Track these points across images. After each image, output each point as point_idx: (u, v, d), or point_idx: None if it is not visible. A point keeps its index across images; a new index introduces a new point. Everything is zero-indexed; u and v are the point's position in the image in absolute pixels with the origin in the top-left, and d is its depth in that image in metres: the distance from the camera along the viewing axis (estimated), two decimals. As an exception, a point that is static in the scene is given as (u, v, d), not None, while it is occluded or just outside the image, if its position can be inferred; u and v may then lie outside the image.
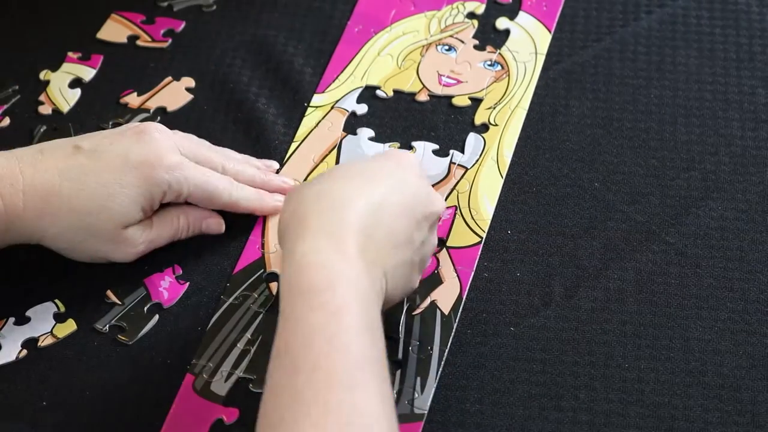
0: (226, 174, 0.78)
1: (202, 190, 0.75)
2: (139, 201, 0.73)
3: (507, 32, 0.93)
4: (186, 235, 0.78)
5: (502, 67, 0.90)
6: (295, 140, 0.85)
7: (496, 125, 0.86)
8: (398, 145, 0.85)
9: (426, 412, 0.70)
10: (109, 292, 0.76)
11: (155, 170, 0.73)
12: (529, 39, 0.92)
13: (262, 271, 0.77)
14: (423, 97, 0.88)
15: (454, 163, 0.84)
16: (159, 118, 0.87)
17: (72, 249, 0.74)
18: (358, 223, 0.64)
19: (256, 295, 0.76)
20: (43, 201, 0.71)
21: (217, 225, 0.79)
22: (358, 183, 0.67)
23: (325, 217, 0.64)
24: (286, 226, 0.65)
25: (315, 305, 0.60)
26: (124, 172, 0.72)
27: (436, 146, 0.85)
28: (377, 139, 0.85)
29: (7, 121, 0.87)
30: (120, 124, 0.86)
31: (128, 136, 0.74)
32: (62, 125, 0.87)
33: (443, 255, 0.78)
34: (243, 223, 0.80)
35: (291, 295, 0.61)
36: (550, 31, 0.93)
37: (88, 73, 0.91)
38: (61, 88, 0.89)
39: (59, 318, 0.75)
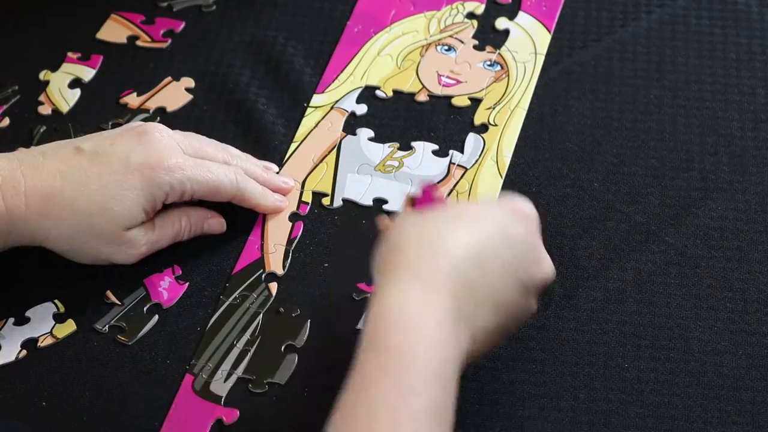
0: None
1: (206, 187, 0.75)
2: (141, 203, 0.73)
3: (506, 32, 0.93)
4: (188, 236, 0.78)
5: (502, 67, 0.90)
6: (294, 140, 0.85)
7: (496, 125, 0.86)
8: (398, 145, 0.85)
9: (425, 412, 0.70)
10: (108, 293, 0.76)
11: (156, 172, 0.73)
12: (529, 39, 0.92)
13: (261, 271, 0.77)
14: (422, 97, 0.88)
15: (454, 164, 0.84)
16: (159, 118, 0.87)
17: (74, 251, 0.74)
18: (457, 273, 0.60)
19: (256, 296, 0.76)
20: (45, 203, 0.71)
21: (218, 225, 0.79)
22: (464, 228, 0.63)
23: (422, 261, 0.61)
24: (383, 257, 0.62)
25: (390, 345, 0.58)
26: (125, 174, 0.72)
27: (435, 146, 0.85)
28: (377, 139, 0.85)
29: (6, 121, 0.87)
30: (120, 125, 0.86)
31: (129, 137, 0.74)
32: (62, 125, 0.87)
33: (443, 255, 0.78)
34: (242, 224, 0.80)
35: (370, 331, 0.59)
36: (549, 32, 0.93)
37: (87, 74, 0.91)
38: (61, 89, 0.89)
39: (59, 318, 0.75)
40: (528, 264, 0.64)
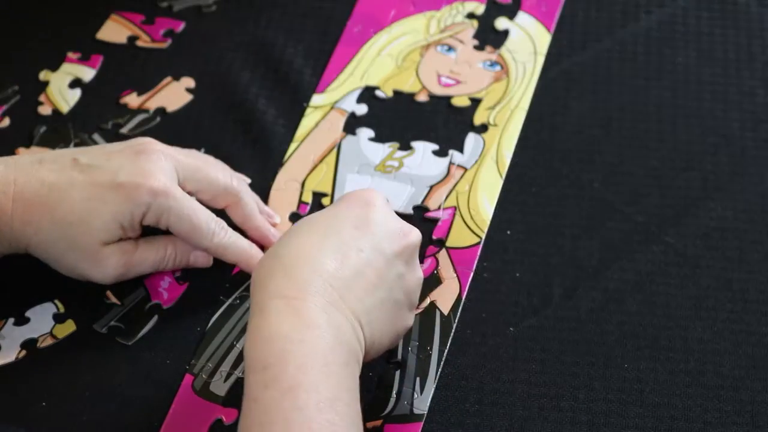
0: (229, 192, 0.76)
1: (183, 223, 0.73)
2: (118, 219, 0.71)
3: (506, 32, 0.93)
4: (172, 266, 0.76)
5: (502, 68, 0.90)
6: (294, 140, 0.85)
7: (496, 125, 0.86)
8: (398, 145, 0.85)
9: (425, 412, 0.70)
10: (108, 293, 0.76)
11: (138, 191, 0.71)
12: (529, 39, 0.92)
13: (261, 271, 0.77)
14: (422, 97, 0.88)
15: (454, 164, 0.84)
16: (159, 118, 0.87)
17: (53, 261, 0.74)
18: (320, 277, 0.62)
19: (256, 296, 0.76)
20: (28, 209, 0.71)
21: (205, 259, 0.76)
22: (320, 234, 0.65)
23: (283, 278, 0.62)
24: (251, 294, 0.63)
25: (268, 382, 0.58)
26: (108, 189, 0.71)
27: (435, 146, 0.85)
28: (377, 139, 0.85)
29: (7, 121, 0.87)
30: (120, 125, 0.86)
31: (127, 153, 0.73)
32: (62, 125, 0.87)
33: (443, 255, 0.78)
34: (243, 224, 0.80)
35: (247, 372, 0.59)
36: (549, 32, 0.93)
37: (87, 74, 0.91)
38: (61, 89, 0.89)
39: (59, 318, 0.75)
40: (389, 238, 0.66)
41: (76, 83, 0.90)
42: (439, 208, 0.81)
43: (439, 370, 0.72)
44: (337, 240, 0.64)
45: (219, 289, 0.77)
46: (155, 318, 0.75)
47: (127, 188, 0.71)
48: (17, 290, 0.76)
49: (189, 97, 0.89)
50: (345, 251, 0.64)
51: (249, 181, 0.81)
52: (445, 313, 0.75)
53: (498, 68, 0.90)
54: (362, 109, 0.88)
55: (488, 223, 0.80)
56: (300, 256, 0.63)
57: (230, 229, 0.75)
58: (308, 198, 0.82)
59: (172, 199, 0.72)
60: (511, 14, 0.94)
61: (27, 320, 0.75)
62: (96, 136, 0.86)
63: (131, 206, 0.71)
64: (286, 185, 0.82)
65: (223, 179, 0.76)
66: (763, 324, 0.74)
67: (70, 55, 0.92)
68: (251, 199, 0.78)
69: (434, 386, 0.71)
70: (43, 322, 0.75)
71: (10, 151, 0.84)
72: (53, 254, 0.73)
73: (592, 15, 0.94)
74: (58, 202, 0.71)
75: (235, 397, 0.71)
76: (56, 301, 0.76)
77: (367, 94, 0.89)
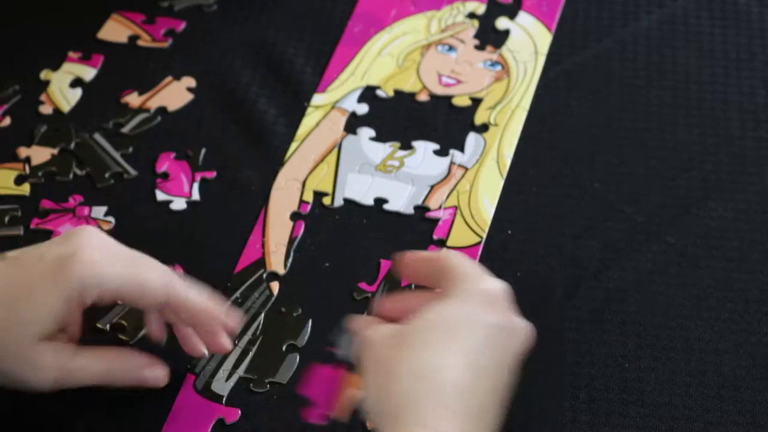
0: (169, 294, 0.66)
1: (128, 285, 0.65)
2: (51, 303, 0.63)
3: (507, 32, 0.93)
4: (120, 382, 0.68)
5: (503, 67, 0.90)
6: (295, 140, 0.86)
7: (497, 125, 0.86)
8: (399, 145, 0.85)
9: (426, 411, 0.70)
10: (110, 292, 0.76)
11: (68, 266, 0.63)
12: (530, 39, 0.92)
13: (262, 270, 0.77)
14: (423, 97, 0.88)
15: (455, 163, 0.84)
16: (159, 117, 0.87)
17: None
18: (454, 400, 0.56)
19: (257, 295, 0.76)
20: None
21: (160, 377, 0.69)
22: (449, 348, 0.58)
23: (421, 404, 0.56)
24: (380, 407, 0.57)
25: None
26: (36, 272, 0.63)
27: (436, 146, 0.85)
28: (378, 139, 0.85)
29: (7, 121, 0.87)
30: (120, 124, 0.86)
31: (56, 240, 0.66)
32: (63, 125, 0.87)
33: (444, 255, 0.78)
34: (243, 223, 0.80)
35: None
36: (550, 32, 0.93)
37: (88, 73, 0.91)
38: (62, 88, 0.89)
39: (60, 317, 0.75)
40: (513, 343, 0.61)
41: (77, 83, 0.90)
42: (439, 207, 0.81)
43: (440, 369, 0.72)
44: (463, 356, 0.58)
45: (220, 288, 0.76)
46: (156, 317, 0.75)
47: (55, 266, 0.63)
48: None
49: (190, 97, 0.89)
50: (474, 370, 0.58)
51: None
52: (446, 312, 0.75)
53: (499, 68, 0.90)
54: (363, 109, 0.88)
55: (489, 222, 0.80)
56: (429, 374, 0.57)
57: (179, 278, 0.67)
58: (309, 197, 0.82)
59: (107, 264, 0.64)
60: (511, 14, 0.94)
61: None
62: (97, 136, 0.86)
63: (63, 284, 0.63)
64: (287, 185, 0.83)
65: (153, 274, 0.66)
66: (764, 323, 0.74)
67: (71, 54, 0.92)
68: (190, 289, 0.68)
69: (435, 386, 0.71)
70: (44, 321, 0.75)
71: (10, 151, 0.85)
72: None
73: (592, 15, 0.94)
74: None
75: (236, 396, 0.71)
76: (57, 301, 0.76)
77: (368, 94, 0.89)
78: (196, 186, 0.83)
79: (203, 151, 0.85)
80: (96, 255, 0.64)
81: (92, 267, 0.63)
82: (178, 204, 0.81)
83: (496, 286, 0.62)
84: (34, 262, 0.64)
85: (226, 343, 0.69)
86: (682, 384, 0.71)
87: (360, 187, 0.82)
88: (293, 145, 0.85)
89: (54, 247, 0.65)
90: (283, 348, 0.73)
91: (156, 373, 0.69)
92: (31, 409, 0.71)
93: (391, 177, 0.83)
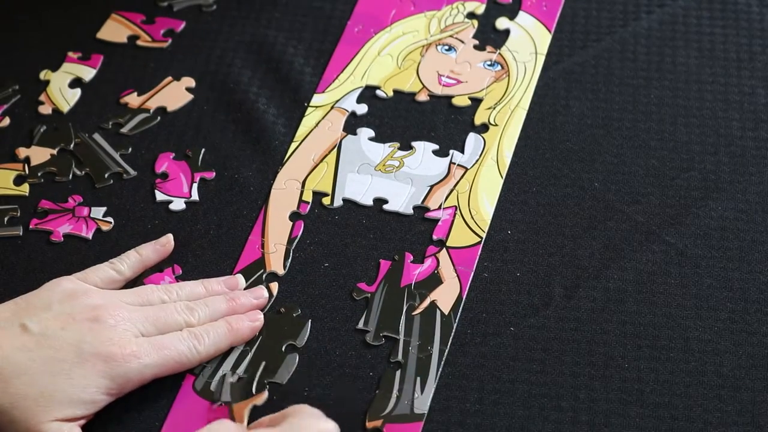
0: (192, 324, 0.72)
1: (166, 367, 0.70)
2: (88, 392, 0.67)
3: (507, 32, 0.93)
4: None
5: (502, 67, 0.90)
6: (295, 140, 0.85)
7: (496, 125, 0.86)
8: (398, 145, 0.85)
9: (426, 412, 0.70)
10: (109, 292, 0.76)
11: (109, 364, 0.67)
12: (529, 39, 0.92)
13: (262, 271, 0.77)
14: (423, 97, 0.88)
15: (454, 163, 0.84)
16: (159, 117, 0.87)
17: None
18: None
19: (256, 295, 0.76)
20: None
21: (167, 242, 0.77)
22: None
23: None
24: None
25: None
26: (75, 364, 0.67)
27: (436, 146, 0.85)
28: (377, 139, 0.85)
29: (7, 121, 0.87)
30: (120, 124, 0.86)
31: (80, 321, 0.69)
32: (62, 125, 0.87)
33: (443, 255, 0.78)
34: (243, 223, 0.80)
35: None
36: (550, 31, 0.93)
37: (88, 73, 0.91)
38: (61, 88, 0.89)
39: (60, 318, 0.75)
40: None
41: (76, 83, 0.90)
42: (439, 207, 0.81)
43: (440, 369, 0.72)
44: None
45: (219, 288, 0.77)
46: (156, 318, 0.75)
47: (95, 363, 0.67)
48: (18, 290, 0.76)
49: (189, 97, 0.89)
50: None
51: (198, 291, 0.75)
52: (446, 312, 0.75)
53: (498, 68, 0.90)
54: (363, 109, 0.88)
55: (488, 222, 0.80)
56: None
57: (203, 325, 0.72)
58: (309, 197, 0.82)
59: (144, 356, 0.69)
60: (511, 14, 0.94)
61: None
62: (96, 136, 0.86)
63: (105, 380, 0.67)
64: (287, 185, 0.82)
65: (182, 349, 0.71)
66: (763, 324, 0.74)
67: (71, 54, 0.92)
68: (216, 341, 0.72)
69: (435, 386, 0.71)
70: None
71: (10, 151, 0.85)
72: None
73: (592, 14, 0.94)
74: (14, 374, 0.66)
75: (236, 396, 0.71)
76: (57, 301, 0.76)
77: (368, 94, 0.89)
78: (195, 186, 0.82)
79: (202, 151, 0.85)
80: (134, 348, 0.69)
81: (134, 363, 0.68)
82: (178, 204, 0.81)
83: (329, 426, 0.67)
84: (71, 351, 0.67)
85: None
86: (682, 384, 0.71)
87: (359, 188, 0.82)
88: (293, 145, 0.85)
89: (86, 334, 0.68)
90: (283, 348, 0.73)
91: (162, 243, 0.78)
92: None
93: (390, 177, 0.83)
